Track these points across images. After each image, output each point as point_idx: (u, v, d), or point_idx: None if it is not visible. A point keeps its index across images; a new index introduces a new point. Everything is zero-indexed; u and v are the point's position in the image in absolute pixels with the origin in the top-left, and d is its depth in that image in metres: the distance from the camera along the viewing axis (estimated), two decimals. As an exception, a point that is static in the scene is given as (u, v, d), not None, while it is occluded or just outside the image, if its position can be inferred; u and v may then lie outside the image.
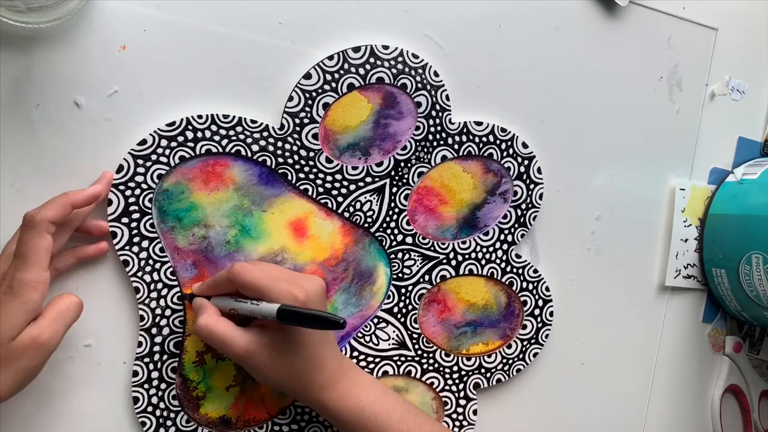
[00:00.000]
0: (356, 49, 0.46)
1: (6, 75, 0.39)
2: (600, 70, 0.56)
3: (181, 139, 0.43)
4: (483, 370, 0.53)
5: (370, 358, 0.49)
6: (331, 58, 0.46)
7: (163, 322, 0.44)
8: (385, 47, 0.47)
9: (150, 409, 0.44)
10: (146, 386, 0.44)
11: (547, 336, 0.54)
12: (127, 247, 0.42)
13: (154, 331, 0.44)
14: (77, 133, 0.41)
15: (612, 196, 0.58)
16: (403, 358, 0.50)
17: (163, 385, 0.44)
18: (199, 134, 0.43)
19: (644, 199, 0.60)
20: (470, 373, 0.52)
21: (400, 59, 0.47)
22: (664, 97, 0.60)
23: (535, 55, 0.54)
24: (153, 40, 0.42)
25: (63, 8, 0.38)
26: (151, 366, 0.44)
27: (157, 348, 0.44)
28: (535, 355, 0.54)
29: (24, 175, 0.40)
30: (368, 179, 0.48)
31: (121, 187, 0.42)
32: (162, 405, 0.44)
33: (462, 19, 0.51)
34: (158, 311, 0.44)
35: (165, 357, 0.44)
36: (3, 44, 0.39)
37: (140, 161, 0.42)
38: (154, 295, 0.43)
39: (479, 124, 0.50)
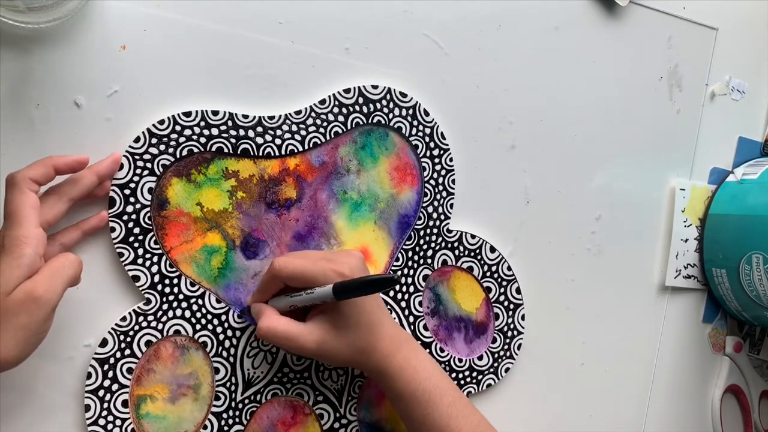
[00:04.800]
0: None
1: (6, 75, 0.39)
2: (600, 70, 0.56)
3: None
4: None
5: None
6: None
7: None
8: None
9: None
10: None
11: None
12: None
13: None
14: (77, 133, 0.41)
15: (612, 196, 0.58)
16: None
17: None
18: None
19: (644, 199, 0.60)
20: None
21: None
22: (664, 97, 0.60)
23: (535, 55, 0.54)
24: (153, 40, 0.42)
25: (63, 8, 0.38)
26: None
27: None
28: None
29: (24, 175, 0.40)
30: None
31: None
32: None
33: (462, 19, 0.51)
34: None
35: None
36: (3, 44, 0.39)
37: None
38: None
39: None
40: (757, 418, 0.66)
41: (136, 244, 0.42)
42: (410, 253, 0.50)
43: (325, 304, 0.42)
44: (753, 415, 0.66)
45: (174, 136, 0.43)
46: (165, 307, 0.43)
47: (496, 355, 0.53)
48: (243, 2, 0.44)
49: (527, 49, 0.53)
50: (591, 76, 0.56)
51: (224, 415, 0.45)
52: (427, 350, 0.50)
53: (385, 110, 0.49)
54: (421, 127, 0.50)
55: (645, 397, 0.62)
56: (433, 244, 0.51)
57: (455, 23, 0.50)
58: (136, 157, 0.42)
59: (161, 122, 0.43)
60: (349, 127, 0.48)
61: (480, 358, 0.52)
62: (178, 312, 0.44)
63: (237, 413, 0.45)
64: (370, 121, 0.48)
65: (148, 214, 0.43)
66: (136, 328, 0.43)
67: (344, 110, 0.47)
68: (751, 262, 0.56)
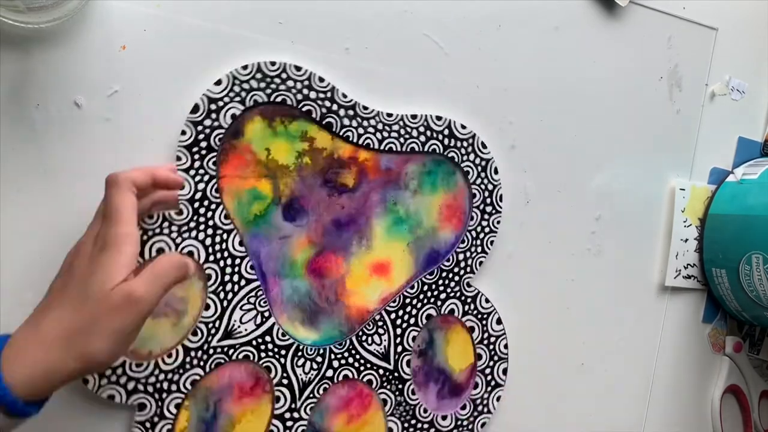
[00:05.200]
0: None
1: (6, 75, 0.39)
2: (600, 70, 0.56)
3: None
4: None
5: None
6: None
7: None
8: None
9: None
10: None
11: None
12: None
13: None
14: (77, 133, 0.41)
15: (612, 196, 0.58)
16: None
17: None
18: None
19: (644, 199, 0.60)
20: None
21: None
22: (664, 97, 0.60)
23: (535, 55, 0.54)
24: (153, 40, 0.42)
25: (63, 8, 0.38)
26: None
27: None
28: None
29: (24, 175, 0.40)
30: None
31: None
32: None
33: (462, 19, 0.51)
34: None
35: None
36: (3, 44, 0.39)
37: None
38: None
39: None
40: (757, 418, 0.66)
41: (196, 156, 0.43)
42: (426, 287, 0.50)
43: None
44: (753, 415, 0.66)
45: (278, 81, 0.44)
46: (192, 224, 0.43)
47: (459, 423, 0.52)
48: (243, 2, 0.44)
49: (527, 49, 0.53)
50: (591, 76, 0.56)
51: (192, 353, 0.44)
52: (401, 385, 0.50)
53: (462, 151, 0.50)
54: (486, 181, 0.51)
55: (645, 397, 0.62)
56: (449, 290, 0.51)
57: (455, 23, 0.50)
58: (237, 81, 0.44)
59: (272, 63, 0.44)
60: (424, 150, 0.49)
61: (444, 418, 0.51)
62: (201, 235, 0.44)
63: (204, 358, 0.44)
64: (444, 153, 0.50)
65: (220, 136, 0.43)
66: (157, 230, 0.43)
67: (428, 133, 0.49)
68: (751, 262, 0.56)
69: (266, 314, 0.46)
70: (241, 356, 0.45)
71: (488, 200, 0.52)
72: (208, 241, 0.44)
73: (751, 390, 0.66)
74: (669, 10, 0.58)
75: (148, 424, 0.43)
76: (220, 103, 0.43)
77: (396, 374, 0.50)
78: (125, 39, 0.42)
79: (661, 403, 0.63)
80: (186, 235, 0.43)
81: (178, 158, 0.43)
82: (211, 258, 0.44)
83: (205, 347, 0.44)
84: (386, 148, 0.48)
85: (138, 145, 0.42)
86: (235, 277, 0.45)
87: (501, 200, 0.52)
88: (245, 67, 0.44)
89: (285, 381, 0.47)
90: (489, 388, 0.53)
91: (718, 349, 0.65)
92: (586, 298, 0.58)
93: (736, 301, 0.61)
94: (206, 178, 0.43)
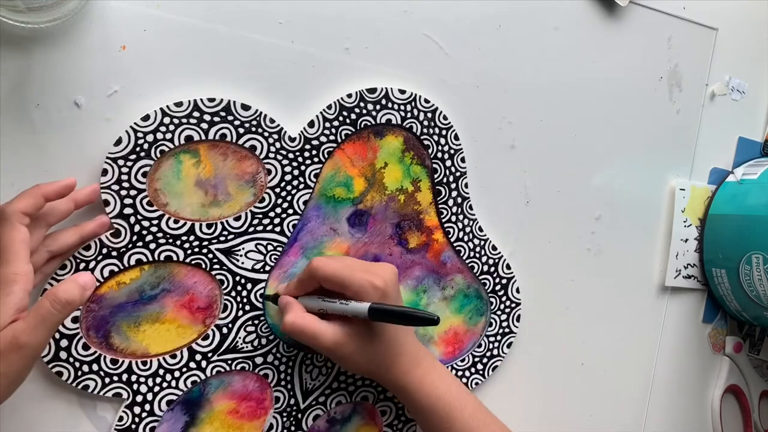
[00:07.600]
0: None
1: (6, 75, 0.39)
2: (600, 70, 0.56)
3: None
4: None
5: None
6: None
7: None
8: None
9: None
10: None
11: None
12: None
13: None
14: (77, 133, 0.41)
15: (612, 196, 0.58)
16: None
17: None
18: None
19: (644, 199, 0.60)
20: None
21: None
22: (664, 97, 0.60)
23: (535, 55, 0.54)
24: (153, 40, 0.42)
25: (63, 8, 0.38)
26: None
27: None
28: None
29: (24, 175, 0.40)
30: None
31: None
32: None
33: (462, 19, 0.51)
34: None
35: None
36: (3, 44, 0.39)
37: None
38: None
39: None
40: (757, 418, 0.66)
41: (336, 123, 0.46)
42: None
43: None
44: (753, 415, 0.66)
45: (434, 125, 0.49)
46: (298, 154, 0.45)
47: None
48: (243, 2, 0.44)
49: (527, 49, 0.53)
50: (591, 76, 0.56)
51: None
52: (294, 429, 0.48)
53: (496, 297, 0.53)
54: (505, 326, 0.54)
55: (645, 397, 0.62)
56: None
57: (455, 23, 0.50)
58: (414, 103, 0.48)
59: (426, 101, 0.49)
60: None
61: None
62: (288, 168, 0.46)
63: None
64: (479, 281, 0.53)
65: (366, 123, 0.47)
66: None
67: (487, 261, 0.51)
68: (751, 262, 0.56)
69: (267, 268, 0.46)
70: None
71: (502, 329, 0.54)
72: (288, 177, 0.46)
73: (751, 390, 0.66)
74: (669, 10, 0.58)
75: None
76: (388, 104, 0.48)
77: (298, 416, 0.48)
78: (125, 39, 0.42)
79: (661, 403, 0.63)
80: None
81: (312, 124, 0.46)
82: (277, 190, 0.45)
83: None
84: (452, 239, 0.51)
85: (138, 145, 0.42)
86: (276, 220, 0.46)
87: (519, 320, 0.54)
88: (427, 100, 0.49)
89: (224, 325, 0.45)
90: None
91: (718, 349, 0.65)
92: (586, 298, 0.58)
93: (736, 301, 0.61)
94: (331, 138, 0.46)
